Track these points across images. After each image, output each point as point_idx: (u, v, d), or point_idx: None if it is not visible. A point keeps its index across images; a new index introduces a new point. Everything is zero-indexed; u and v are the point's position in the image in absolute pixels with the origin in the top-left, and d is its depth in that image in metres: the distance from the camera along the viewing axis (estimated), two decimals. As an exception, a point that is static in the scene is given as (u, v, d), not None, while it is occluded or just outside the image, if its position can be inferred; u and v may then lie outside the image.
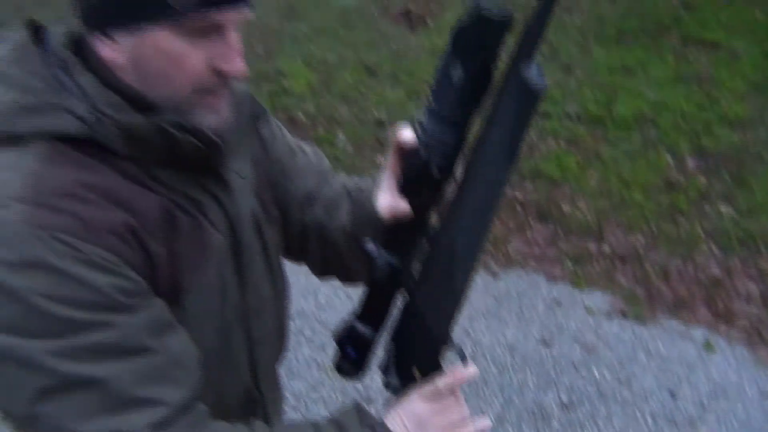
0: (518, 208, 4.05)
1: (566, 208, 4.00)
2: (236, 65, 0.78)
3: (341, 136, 4.65)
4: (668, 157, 4.17)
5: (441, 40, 5.34)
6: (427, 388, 0.88)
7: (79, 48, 0.79)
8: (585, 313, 3.28)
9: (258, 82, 5.19)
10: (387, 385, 0.94)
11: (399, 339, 0.92)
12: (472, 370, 0.89)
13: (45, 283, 0.69)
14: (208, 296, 0.87)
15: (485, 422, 0.92)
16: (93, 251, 0.71)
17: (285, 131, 1.10)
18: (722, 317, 3.24)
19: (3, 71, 0.76)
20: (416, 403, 0.88)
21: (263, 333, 0.99)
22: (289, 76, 5.22)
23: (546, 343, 3.05)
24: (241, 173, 0.93)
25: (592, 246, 3.77)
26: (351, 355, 0.98)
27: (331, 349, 1.02)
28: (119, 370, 0.72)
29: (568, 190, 4.12)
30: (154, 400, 0.73)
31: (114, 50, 0.76)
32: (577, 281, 3.52)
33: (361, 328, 0.94)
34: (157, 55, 0.74)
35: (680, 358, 2.96)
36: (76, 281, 0.70)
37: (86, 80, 0.76)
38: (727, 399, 2.72)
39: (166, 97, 0.77)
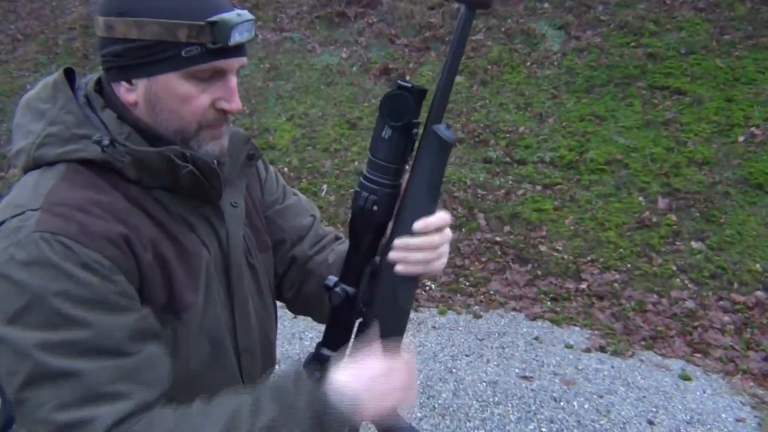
0: (498, 250, 4.16)
1: (544, 249, 4.11)
2: (235, 104, 0.93)
3: (325, 187, 4.79)
4: (640, 198, 4.32)
5: (419, 94, 5.54)
6: (381, 350, 0.94)
7: (102, 88, 0.95)
8: (564, 348, 3.35)
9: (243, 138, 5.35)
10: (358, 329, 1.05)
11: (370, 314, 1.02)
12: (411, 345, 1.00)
13: (45, 277, 0.79)
14: (204, 312, 0.96)
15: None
16: (89, 254, 0.82)
17: (279, 176, 1.23)
18: (698, 348, 3.32)
19: (40, 108, 0.93)
20: (371, 360, 0.91)
21: (249, 344, 1.07)
22: (273, 132, 5.39)
23: (527, 378, 3.11)
24: (234, 203, 1.04)
25: (569, 285, 3.87)
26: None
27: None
28: (96, 367, 0.81)
29: (545, 232, 4.24)
30: (123, 395, 0.81)
31: (131, 92, 0.91)
32: (556, 319, 3.60)
33: (326, 352, 1.04)
34: (169, 97, 0.89)
35: (657, 388, 3.02)
36: (70, 278, 0.80)
37: (107, 116, 0.92)
38: (703, 426, 2.77)
39: (175, 130, 0.92)
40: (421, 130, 0.92)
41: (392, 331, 0.98)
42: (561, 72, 5.48)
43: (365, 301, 0.99)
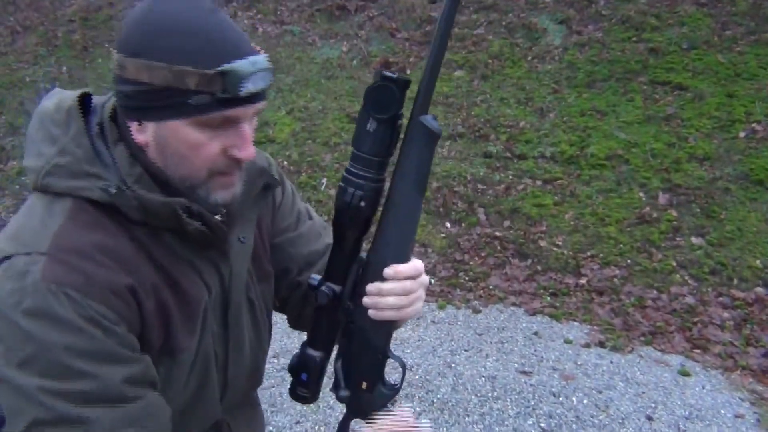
0: (497, 245, 4.15)
1: (544, 244, 4.10)
2: (248, 152, 0.89)
3: (324, 180, 4.78)
4: (640, 194, 4.31)
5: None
6: (387, 421, 0.97)
7: (117, 117, 0.92)
8: (563, 344, 3.34)
9: (243, 131, 5.33)
10: (339, 399, 1.04)
11: (345, 356, 1.03)
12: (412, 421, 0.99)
13: (51, 330, 0.80)
14: (197, 352, 0.97)
15: None
16: (94, 308, 0.82)
17: (297, 198, 1.20)
18: (697, 344, 3.31)
19: (51, 131, 0.90)
20: None
21: (237, 376, 1.07)
22: (273, 125, 5.37)
23: (526, 373, 3.11)
24: (242, 238, 1.02)
25: (569, 280, 3.86)
26: (303, 379, 1.07)
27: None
28: (101, 414, 0.82)
29: (545, 227, 4.23)
30: None
31: (141, 133, 0.88)
32: (556, 314, 3.60)
33: (312, 352, 1.04)
34: (177, 143, 0.86)
35: (657, 383, 3.02)
36: (76, 331, 0.81)
37: (119, 152, 0.89)
38: (702, 421, 2.77)
39: (183, 176, 0.89)
40: (405, 122, 0.92)
41: (369, 375, 1.01)
42: (562, 67, 5.46)
43: (352, 299, 0.99)
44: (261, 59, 0.85)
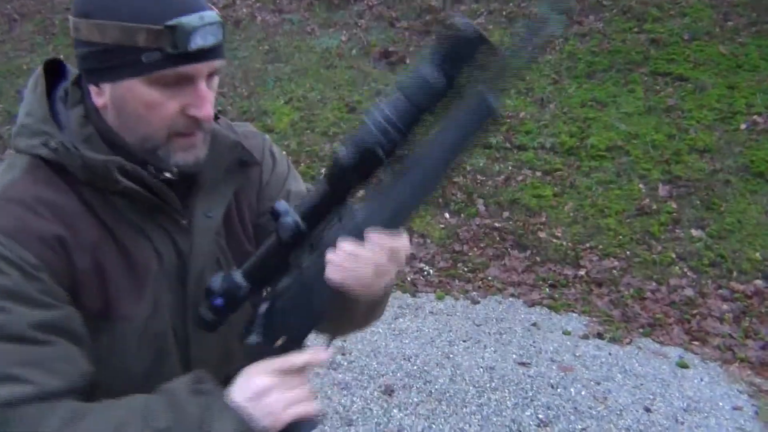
0: (496, 236, 4.14)
1: (543, 235, 4.09)
2: (205, 111, 0.88)
3: (323, 171, 4.75)
4: (640, 185, 4.30)
5: (419, 78, 5.50)
6: (276, 362, 0.89)
7: (81, 81, 0.93)
8: (562, 335, 3.34)
9: (241, 121, 5.31)
10: (246, 343, 0.94)
11: (278, 303, 0.92)
12: (324, 355, 0.92)
13: None
14: (147, 322, 0.94)
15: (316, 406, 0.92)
16: (17, 251, 0.84)
17: (293, 180, 1.12)
18: (696, 336, 3.31)
19: (26, 95, 0.94)
20: (259, 376, 0.88)
21: (203, 356, 1.02)
22: (272, 115, 5.34)
23: (524, 364, 3.10)
24: (208, 213, 0.98)
25: (568, 271, 3.85)
26: (216, 305, 0.94)
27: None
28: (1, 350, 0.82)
29: (545, 218, 4.22)
30: (21, 380, 0.81)
31: (99, 95, 0.89)
32: (555, 305, 3.59)
33: (240, 280, 0.93)
34: (134, 102, 0.86)
35: (655, 375, 3.01)
36: None
37: (74, 114, 0.91)
38: (700, 413, 2.77)
39: (142, 137, 0.89)
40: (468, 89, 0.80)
41: (290, 335, 0.91)
42: (563, 57, 5.43)
43: (315, 247, 0.87)
44: (210, 14, 0.85)
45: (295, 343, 0.92)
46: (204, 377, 0.89)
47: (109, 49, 0.83)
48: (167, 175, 0.91)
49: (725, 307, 3.48)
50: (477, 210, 4.33)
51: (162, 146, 0.89)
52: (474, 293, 3.73)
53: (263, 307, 0.94)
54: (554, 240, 4.04)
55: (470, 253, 4.05)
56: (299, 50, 6.09)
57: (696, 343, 3.27)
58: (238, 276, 0.93)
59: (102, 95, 0.88)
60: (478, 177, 4.56)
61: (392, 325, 3.40)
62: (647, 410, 2.78)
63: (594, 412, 2.76)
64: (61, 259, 0.86)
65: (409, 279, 3.81)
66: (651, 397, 2.87)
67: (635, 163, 4.43)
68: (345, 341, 3.20)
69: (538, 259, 3.95)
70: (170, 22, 0.81)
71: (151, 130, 0.88)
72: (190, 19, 0.82)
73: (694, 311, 3.46)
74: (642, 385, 2.95)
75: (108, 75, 0.86)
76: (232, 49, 6.24)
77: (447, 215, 4.32)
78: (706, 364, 3.10)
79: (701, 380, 2.99)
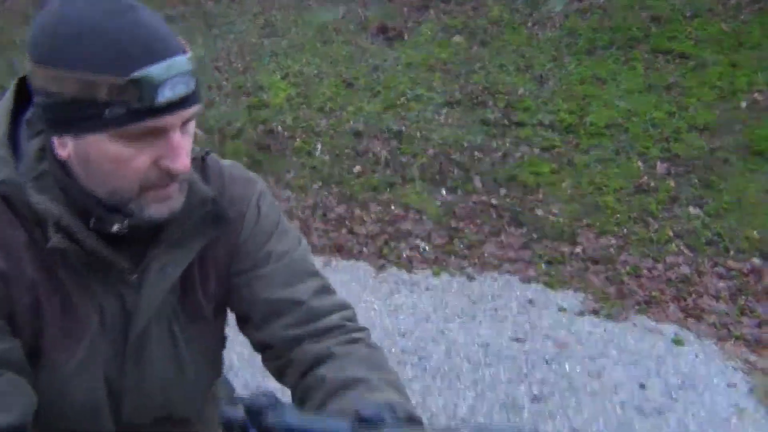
0: (493, 213, 4.12)
1: (540, 212, 4.06)
2: (180, 163, 0.80)
3: (319, 146, 4.71)
4: (639, 163, 4.26)
5: (417, 54, 5.45)
6: None
7: None
8: (558, 312, 3.32)
9: (237, 95, 5.25)
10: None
11: None
12: None
13: None
14: (70, 371, 0.90)
15: None
16: None
17: (277, 237, 1.02)
18: (691, 314, 3.30)
19: None
20: None
21: (137, 415, 0.98)
22: (267, 90, 5.28)
23: (519, 340, 3.09)
24: (164, 268, 0.92)
25: (565, 249, 3.83)
26: None
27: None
28: None
29: (542, 195, 4.19)
30: None
31: (62, 147, 0.81)
32: (551, 282, 3.57)
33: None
34: (100, 158, 0.79)
35: (650, 352, 3.01)
36: None
37: (31, 145, 0.85)
38: (694, 390, 2.76)
39: (111, 192, 0.82)
40: None
41: None
42: (563, 34, 5.37)
43: None
44: (179, 61, 0.76)
45: None
46: None
47: (68, 102, 0.75)
48: (114, 229, 0.85)
49: (721, 285, 3.47)
50: (474, 186, 4.30)
51: (134, 199, 0.83)
52: (470, 270, 3.71)
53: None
54: (551, 217, 4.01)
55: (466, 230, 4.02)
56: (296, 24, 6.01)
57: (691, 320, 3.25)
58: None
59: (65, 147, 0.81)
60: (476, 153, 4.52)
61: (387, 302, 3.39)
62: (642, 386, 2.78)
63: (588, 388, 2.76)
64: (2, 292, 0.83)
65: (405, 255, 3.79)
66: (646, 373, 2.86)
67: (634, 140, 4.40)
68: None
69: (534, 236, 3.93)
70: (134, 75, 0.73)
71: (120, 185, 0.81)
72: (155, 70, 0.74)
73: (690, 289, 3.45)
74: (637, 361, 2.94)
75: (69, 129, 0.78)
76: (228, 23, 6.16)
77: (443, 192, 4.29)
78: (701, 342, 3.09)
79: (696, 357, 2.98)
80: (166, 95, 0.75)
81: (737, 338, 3.12)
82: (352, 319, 1.04)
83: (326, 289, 1.03)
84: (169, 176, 0.82)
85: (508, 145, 4.57)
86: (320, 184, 4.45)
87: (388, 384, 0.92)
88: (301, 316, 0.98)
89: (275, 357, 1.00)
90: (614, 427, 2.57)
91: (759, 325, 3.20)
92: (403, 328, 3.17)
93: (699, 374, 2.87)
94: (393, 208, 4.19)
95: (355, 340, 1.00)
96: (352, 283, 3.48)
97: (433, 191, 4.30)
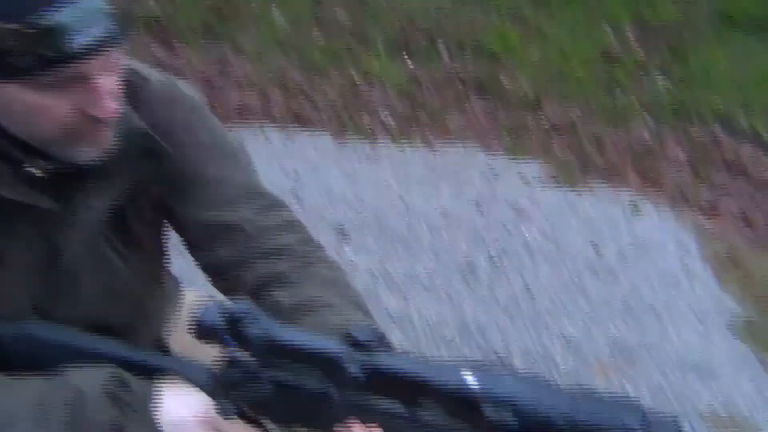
0: (458, 82, 4.00)
1: (506, 82, 3.96)
2: (105, 109, 0.77)
3: (276, 12, 4.45)
4: (609, 31, 4.14)
5: None
6: (222, 424, 0.78)
7: None
8: (519, 180, 3.31)
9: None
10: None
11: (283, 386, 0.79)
12: None
13: None
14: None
15: None
16: None
17: (215, 159, 0.98)
18: (651, 182, 3.32)
19: None
20: (196, 429, 0.77)
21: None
22: None
23: (479, 208, 3.09)
24: (91, 202, 0.89)
25: (529, 118, 3.77)
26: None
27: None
28: None
29: (509, 64, 4.07)
30: None
31: None
32: (514, 151, 3.54)
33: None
34: (18, 106, 0.75)
35: (608, 219, 3.04)
36: None
37: None
38: (648, 254, 2.83)
39: (35, 137, 0.79)
40: None
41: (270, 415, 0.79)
42: None
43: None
44: (91, 1, 0.71)
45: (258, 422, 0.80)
46: (127, 379, 0.78)
47: None
48: (38, 174, 0.82)
49: (682, 154, 3.48)
50: (439, 55, 4.15)
51: (58, 144, 0.79)
52: (433, 139, 3.64)
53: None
54: (517, 86, 3.92)
55: (431, 100, 3.91)
56: None
57: (650, 188, 3.28)
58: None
59: None
60: (442, 21, 4.33)
61: (347, 170, 3.33)
62: (597, 251, 2.82)
63: (545, 253, 2.80)
64: None
65: (366, 124, 3.69)
66: (601, 238, 2.91)
67: (605, 7, 4.25)
68: (296, 180, 3.11)
69: (499, 105, 3.85)
70: (39, 22, 0.67)
71: (43, 132, 0.78)
72: (63, 16, 0.68)
73: (651, 157, 3.45)
74: (594, 227, 2.98)
75: None
76: None
77: (407, 57, 4.13)
78: (657, 208, 3.13)
79: (652, 223, 3.03)
80: (79, 41, 0.70)
81: (693, 205, 3.16)
82: (306, 239, 1.00)
83: (274, 207, 0.99)
84: (96, 122, 0.79)
85: (476, 13, 4.37)
86: (282, 57, 4.24)
87: (352, 305, 0.90)
88: (246, 235, 0.95)
89: (223, 278, 0.98)
90: (569, 288, 2.63)
91: (714, 193, 3.24)
92: (364, 195, 3.14)
93: (653, 239, 2.92)
94: (355, 76, 4.03)
95: (311, 262, 0.96)
96: (312, 151, 3.40)
97: (396, 59, 4.14)
